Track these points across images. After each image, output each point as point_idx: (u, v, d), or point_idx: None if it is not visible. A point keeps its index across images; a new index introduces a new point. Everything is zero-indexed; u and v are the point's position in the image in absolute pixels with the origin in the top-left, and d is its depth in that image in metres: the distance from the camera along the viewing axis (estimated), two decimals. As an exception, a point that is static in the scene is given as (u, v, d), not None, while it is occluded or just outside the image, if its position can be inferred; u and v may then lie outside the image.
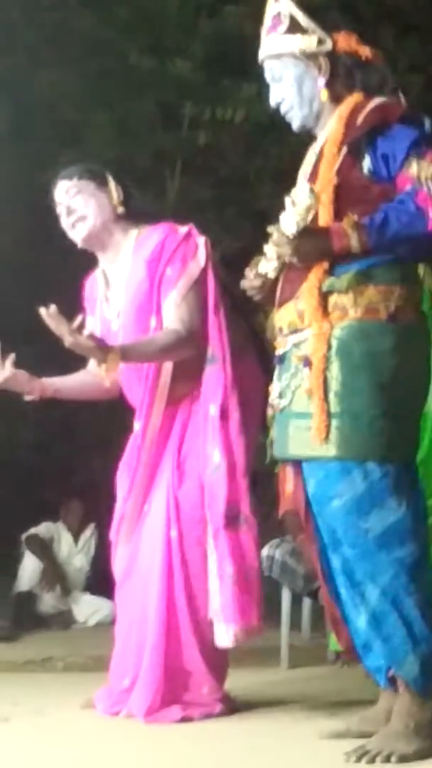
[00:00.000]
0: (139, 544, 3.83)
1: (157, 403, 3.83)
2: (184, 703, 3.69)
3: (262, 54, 3.41)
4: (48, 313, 3.51)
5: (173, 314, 3.78)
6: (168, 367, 3.81)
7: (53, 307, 3.51)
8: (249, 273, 3.43)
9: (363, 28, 3.46)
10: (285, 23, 3.32)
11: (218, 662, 3.80)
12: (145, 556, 3.81)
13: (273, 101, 3.43)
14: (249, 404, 3.78)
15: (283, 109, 3.41)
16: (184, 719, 3.63)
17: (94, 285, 4.04)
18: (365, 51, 3.30)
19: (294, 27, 3.31)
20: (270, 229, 3.18)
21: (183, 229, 3.88)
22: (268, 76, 3.42)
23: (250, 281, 3.42)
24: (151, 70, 7.92)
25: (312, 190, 3.11)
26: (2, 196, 6.97)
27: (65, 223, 3.94)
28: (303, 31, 3.31)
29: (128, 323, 3.87)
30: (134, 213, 3.92)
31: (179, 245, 3.82)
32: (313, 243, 3.15)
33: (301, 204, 3.09)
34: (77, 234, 3.91)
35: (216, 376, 3.78)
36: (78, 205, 3.89)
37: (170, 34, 8.03)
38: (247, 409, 3.78)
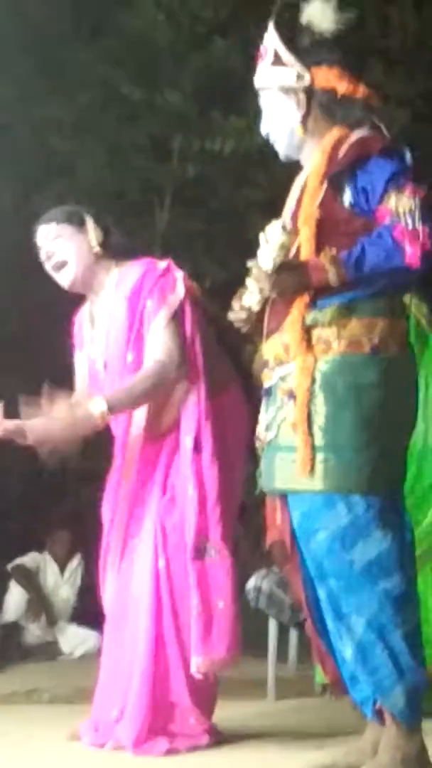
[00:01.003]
0: (128, 575, 3.83)
1: (133, 440, 3.86)
2: (170, 735, 3.68)
3: (255, 84, 3.46)
4: None
5: (156, 344, 3.80)
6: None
7: None
8: (235, 305, 3.45)
9: (352, 64, 3.49)
10: (270, 56, 3.38)
11: (206, 694, 3.79)
12: (134, 586, 3.80)
13: (263, 131, 3.47)
14: (230, 436, 3.81)
15: (271, 139, 3.45)
16: (171, 751, 3.62)
17: (82, 322, 4.07)
18: (343, 87, 3.32)
19: (277, 60, 3.36)
20: (249, 263, 3.21)
21: (162, 264, 3.93)
22: (260, 105, 3.47)
23: (236, 313, 3.44)
24: (142, 101, 7.97)
25: (285, 227, 3.14)
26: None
27: (48, 267, 3.98)
28: (283, 65, 3.35)
29: (110, 360, 3.91)
30: (115, 251, 3.96)
31: (158, 279, 3.87)
32: (291, 277, 3.18)
33: (274, 241, 3.13)
34: (62, 280, 3.95)
35: (192, 407, 3.80)
36: (58, 249, 3.93)
37: (161, 66, 8.08)
38: (227, 440, 3.81)
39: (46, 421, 3.61)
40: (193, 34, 8.13)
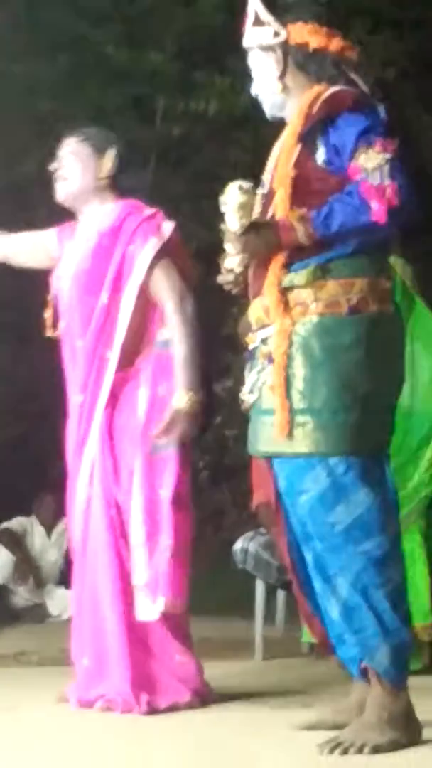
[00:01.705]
0: (88, 526, 3.84)
1: (107, 377, 3.87)
2: (156, 689, 3.69)
3: (243, 45, 3.45)
4: None
5: (161, 292, 3.86)
6: (119, 341, 3.85)
7: None
8: (222, 267, 3.44)
9: (336, 22, 3.47)
10: (252, 17, 3.38)
11: (179, 624, 3.81)
12: (93, 535, 3.82)
13: (252, 92, 3.47)
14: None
15: (260, 100, 3.44)
16: (155, 709, 3.63)
17: (71, 231, 4.08)
18: (315, 41, 3.30)
19: (257, 20, 3.36)
20: (222, 226, 3.20)
21: (148, 210, 3.96)
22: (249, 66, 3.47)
23: (223, 276, 3.43)
24: (125, 62, 7.91)
25: (241, 187, 3.12)
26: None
27: (55, 175, 4.03)
28: (262, 24, 3.35)
29: (75, 292, 3.93)
30: (121, 188, 4.00)
31: (140, 224, 3.90)
32: (260, 237, 3.16)
33: (232, 203, 3.13)
34: (58, 191, 4.02)
35: (168, 359, 3.84)
36: (67, 164, 4.00)
37: (144, 26, 8.01)
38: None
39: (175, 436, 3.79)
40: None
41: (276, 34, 3.33)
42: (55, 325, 4.04)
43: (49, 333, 4.04)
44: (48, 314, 4.06)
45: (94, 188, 3.97)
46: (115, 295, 3.87)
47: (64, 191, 4.00)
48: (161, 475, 3.79)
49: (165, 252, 3.89)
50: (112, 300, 3.86)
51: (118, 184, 3.99)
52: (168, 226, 3.93)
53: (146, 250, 3.86)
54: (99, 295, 3.87)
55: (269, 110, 3.42)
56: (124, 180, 4.00)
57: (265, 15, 3.34)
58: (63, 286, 3.99)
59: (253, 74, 3.42)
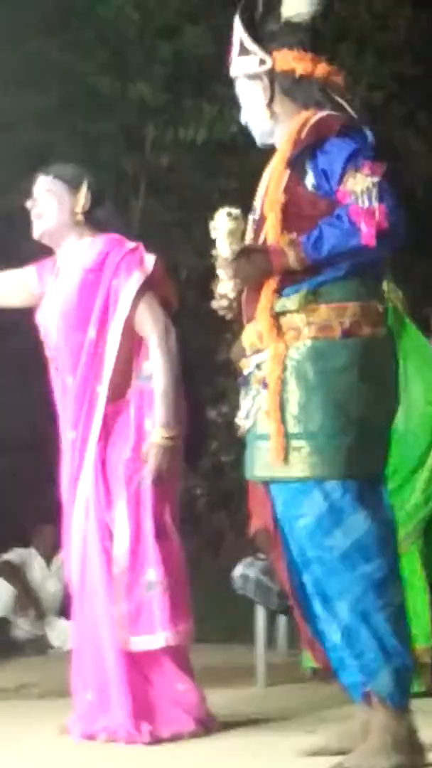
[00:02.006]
0: (85, 561, 3.85)
1: (98, 412, 3.88)
2: (158, 720, 3.68)
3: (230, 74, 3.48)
4: None
5: (145, 325, 3.88)
6: (107, 375, 3.87)
7: None
8: (215, 293, 3.45)
9: (322, 47, 3.50)
10: (237, 46, 3.40)
11: (180, 655, 3.81)
12: (90, 568, 3.82)
13: (242, 120, 3.49)
14: (179, 425, 3.87)
15: (249, 127, 3.46)
16: (158, 738, 3.62)
17: (51, 267, 4.09)
18: (301, 67, 3.33)
19: (242, 50, 3.39)
20: (213, 252, 3.22)
21: (130, 244, 3.98)
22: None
23: (217, 301, 3.44)
24: (113, 92, 7.94)
25: (230, 213, 3.15)
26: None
27: (31, 214, 4.05)
28: (248, 53, 3.37)
29: (62, 330, 3.94)
30: (98, 222, 4.02)
31: (124, 257, 3.93)
32: (251, 263, 3.19)
33: (222, 229, 3.16)
34: (35, 229, 4.04)
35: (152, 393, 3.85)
36: (42, 201, 4.02)
37: (131, 55, 8.05)
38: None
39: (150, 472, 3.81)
40: (163, 23, 8.10)
41: (262, 62, 3.35)
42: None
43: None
44: (47, 353, 4.06)
45: (70, 224, 3.99)
46: (102, 330, 3.89)
47: (40, 228, 4.02)
48: (144, 508, 3.80)
49: (148, 285, 3.91)
50: (99, 335, 3.89)
51: (94, 218, 4.01)
52: (150, 260, 3.95)
53: (130, 284, 3.89)
54: (86, 331, 3.89)
55: (259, 138, 3.44)
56: (99, 213, 4.02)
57: (250, 44, 3.36)
58: (50, 324, 4.00)
59: (241, 102, 3.45)
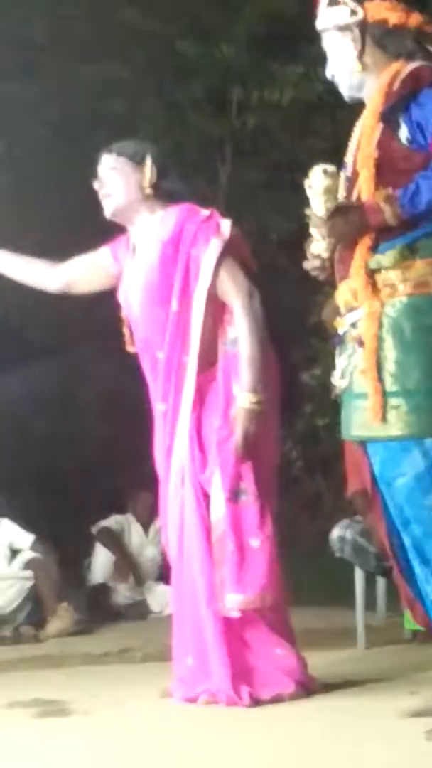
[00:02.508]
0: (183, 527, 3.86)
1: (188, 382, 3.87)
2: (258, 682, 3.69)
3: (317, 27, 3.43)
4: None
5: (229, 291, 3.85)
6: (196, 343, 3.85)
7: None
8: (307, 253, 3.42)
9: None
10: None
11: (279, 620, 3.80)
12: (186, 534, 3.83)
13: (327, 74, 3.45)
14: (267, 389, 3.83)
15: (335, 82, 3.41)
16: (261, 701, 3.63)
17: (123, 247, 4.09)
18: (394, 17, 3.28)
19: (332, 1, 3.34)
20: (307, 211, 3.17)
21: (205, 212, 3.95)
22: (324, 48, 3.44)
23: (310, 262, 3.40)
24: (197, 56, 7.91)
25: (326, 171, 3.10)
26: (54, 191, 7.00)
27: (100, 195, 4.05)
28: (337, 3, 3.32)
29: (145, 304, 3.94)
30: (167, 194, 4.00)
31: (200, 226, 3.90)
32: (347, 220, 3.14)
33: (317, 187, 3.11)
34: (105, 209, 4.03)
35: (233, 358, 3.83)
36: (109, 180, 4.00)
37: (213, 18, 8.00)
38: (266, 393, 3.82)
39: (238, 436, 3.77)
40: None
41: (353, 12, 3.31)
42: (132, 341, 4.07)
43: (130, 349, 4.07)
44: (126, 331, 4.09)
45: (140, 199, 3.97)
46: (185, 301, 3.87)
47: (111, 207, 4.00)
48: (237, 473, 3.78)
49: (227, 251, 3.88)
50: (182, 306, 3.87)
51: (162, 190, 3.98)
52: (226, 225, 3.91)
53: (210, 252, 3.86)
54: (169, 303, 3.88)
55: (347, 91, 3.38)
56: (166, 185, 3.99)
57: None
58: (133, 301, 3.99)
59: (329, 55, 3.39)
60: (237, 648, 3.73)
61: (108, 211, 4.02)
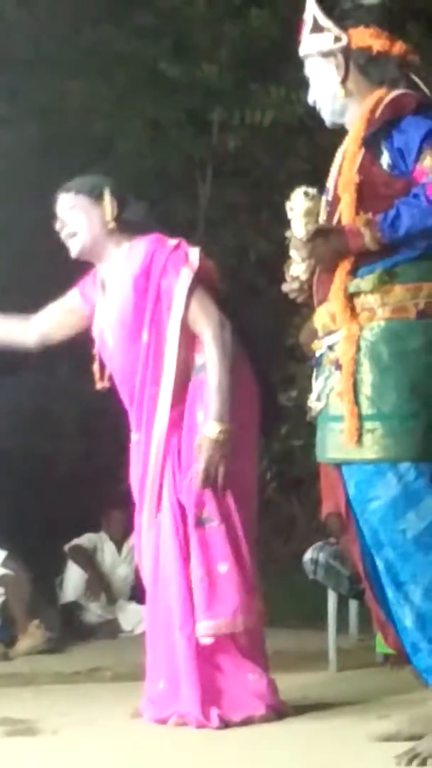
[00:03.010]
0: (158, 550, 3.84)
1: (160, 412, 3.85)
2: (227, 705, 3.68)
3: (299, 53, 3.45)
4: None
5: (199, 321, 3.83)
6: (170, 374, 3.83)
7: None
8: (286, 275, 3.43)
9: (392, 27, 3.46)
10: (309, 23, 3.37)
11: (253, 645, 3.79)
12: (162, 556, 3.82)
13: (309, 99, 3.46)
14: (244, 411, 3.81)
15: (317, 107, 3.42)
16: (228, 723, 3.62)
17: (90, 284, 4.08)
18: (378, 44, 3.30)
19: (316, 27, 3.36)
20: (287, 233, 3.19)
21: (172, 242, 3.92)
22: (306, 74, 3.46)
23: (289, 284, 3.42)
24: (179, 76, 7.94)
25: (307, 193, 3.11)
26: (35, 209, 6.98)
27: (61, 235, 4.01)
28: (321, 30, 3.34)
29: (120, 339, 3.92)
30: (130, 225, 3.96)
31: (169, 257, 3.87)
32: (327, 243, 3.16)
33: (299, 209, 3.12)
34: (71, 249, 3.99)
35: (204, 384, 3.81)
36: (71, 220, 3.97)
37: (196, 39, 8.04)
38: (241, 415, 3.80)
39: (200, 466, 3.74)
40: (229, 6, 8.08)
41: (337, 39, 3.33)
42: (102, 377, 4.05)
43: (99, 386, 4.05)
44: (96, 367, 4.07)
45: (104, 234, 3.93)
46: (157, 332, 3.85)
47: (77, 247, 3.96)
48: (205, 500, 3.78)
49: (198, 281, 3.86)
50: (153, 337, 3.84)
51: (126, 222, 3.94)
52: (195, 254, 3.90)
53: (181, 282, 3.83)
54: (141, 336, 3.86)
55: (329, 117, 3.40)
56: (129, 215, 3.96)
57: (325, 21, 3.34)
58: (108, 337, 3.96)
59: (312, 81, 3.41)
60: (208, 672, 3.72)
61: (74, 251, 3.98)
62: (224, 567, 3.74)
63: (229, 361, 3.80)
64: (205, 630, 3.71)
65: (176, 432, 3.86)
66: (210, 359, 3.80)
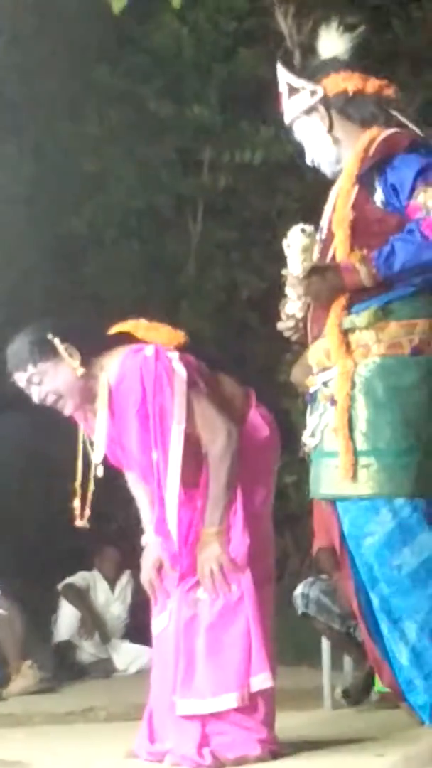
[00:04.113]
0: (167, 606, 3.83)
1: (170, 509, 3.74)
2: (223, 746, 3.66)
3: (285, 123, 3.50)
4: None
5: (204, 430, 3.71)
6: (175, 470, 3.70)
7: None
8: (282, 314, 3.45)
9: (378, 68, 3.51)
10: (285, 90, 3.43)
11: (258, 704, 3.77)
12: (171, 618, 3.80)
13: (308, 161, 3.50)
14: (260, 460, 3.79)
15: (316, 165, 3.47)
16: (225, 762, 3.60)
17: (83, 413, 3.91)
18: (351, 85, 3.35)
19: (292, 90, 3.41)
20: (283, 271, 3.21)
21: (149, 351, 3.72)
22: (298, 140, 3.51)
23: (284, 322, 3.43)
24: (170, 116, 8.00)
25: (304, 230, 3.13)
26: (26, 249, 7.01)
27: (49, 404, 3.82)
28: (297, 91, 3.39)
29: (129, 454, 3.81)
30: (93, 350, 3.78)
31: (157, 375, 3.68)
32: (323, 280, 3.18)
33: (296, 246, 3.14)
34: (65, 411, 3.83)
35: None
36: (49, 389, 3.77)
37: (186, 79, 8.12)
38: (258, 466, 3.79)
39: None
40: (218, 47, 8.16)
41: (313, 93, 3.38)
42: (82, 516, 3.96)
43: (78, 524, 3.94)
44: (76, 504, 3.95)
45: (81, 379, 3.72)
46: (165, 450, 3.69)
47: (70, 407, 3.78)
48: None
49: (191, 387, 3.70)
50: (163, 456, 3.70)
51: (89, 352, 3.74)
52: (178, 363, 3.71)
53: (178, 397, 3.66)
54: (151, 456, 3.72)
55: (329, 169, 3.43)
56: (87, 342, 3.76)
57: (297, 81, 3.40)
58: (116, 452, 3.85)
59: (305, 144, 3.46)
60: (203, 719, 3.69)
61: (68, 411, 3.81)
62: (244, 644, 3.75)
63: (233, 472, 3.69)
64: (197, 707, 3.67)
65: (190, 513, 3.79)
66: (213, 473, 3.69)
